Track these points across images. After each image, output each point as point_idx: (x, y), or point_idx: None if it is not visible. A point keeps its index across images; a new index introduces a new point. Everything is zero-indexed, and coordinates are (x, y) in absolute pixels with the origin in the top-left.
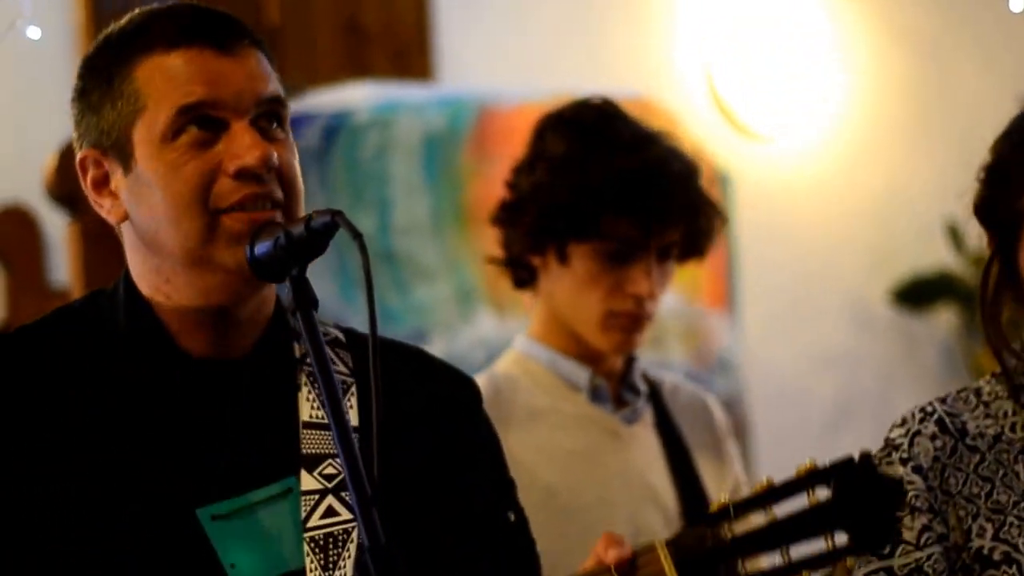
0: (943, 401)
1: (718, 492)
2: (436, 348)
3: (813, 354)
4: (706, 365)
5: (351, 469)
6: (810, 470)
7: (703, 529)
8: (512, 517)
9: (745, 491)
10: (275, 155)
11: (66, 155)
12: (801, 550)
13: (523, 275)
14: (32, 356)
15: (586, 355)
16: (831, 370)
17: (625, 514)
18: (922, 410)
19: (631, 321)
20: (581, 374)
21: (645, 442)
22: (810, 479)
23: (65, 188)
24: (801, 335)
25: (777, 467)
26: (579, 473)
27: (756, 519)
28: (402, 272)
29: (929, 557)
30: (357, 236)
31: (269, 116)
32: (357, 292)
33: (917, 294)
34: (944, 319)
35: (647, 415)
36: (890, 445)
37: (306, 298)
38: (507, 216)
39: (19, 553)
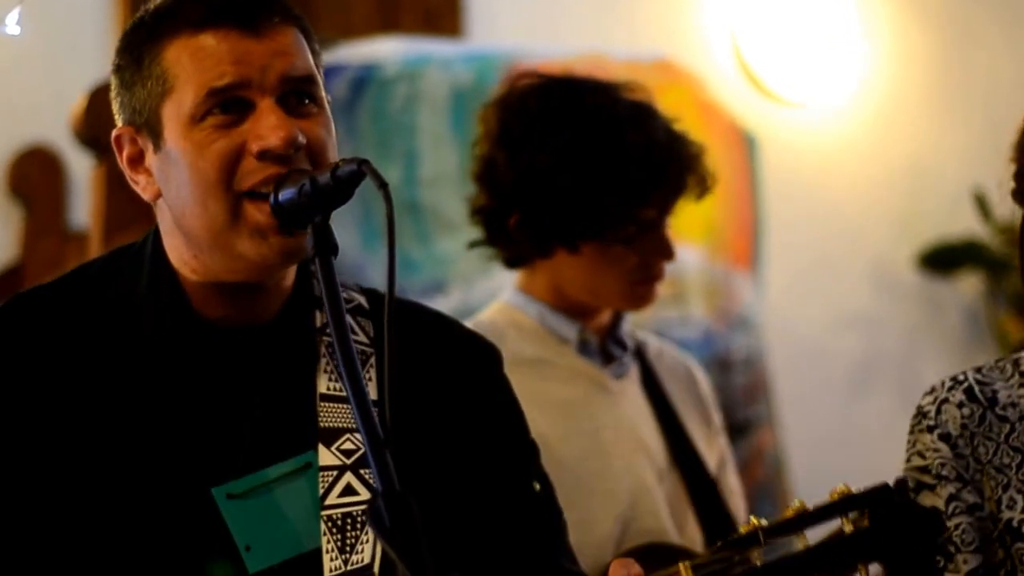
0: (978, 370)
1: (706, 457)
2: (453, 300)
3: (836, 316)
4: (727, 323)
5: (362, 413)
6: (844, 495)
7: (731, 553)
8: (537, 487)
9: (729, 466)
10: (300, 135)
11: (95, 97)
12: None
13: (518, 259)
14: (48, 320)
15: (575, 310)
16: (853, 332)
17: (621, 465)
18: (953, 378)
19: (654, 281)
20: (570, 328)
21: (633, 397)
22: (843, 505)
23: (92, 130)
24: (824, 297)
25: (798, 427)
26: (571, 424)
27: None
28: (425, 223)
29: (957, 527)
30: (383, 185)
31: (299, 93)
32: (379, 244)
33: (943, 259)
34: (969, 284)
35: (633, 372)
36: (920, 412)
37: (326, 244)
38: (492, 218)
39: (31, 524)
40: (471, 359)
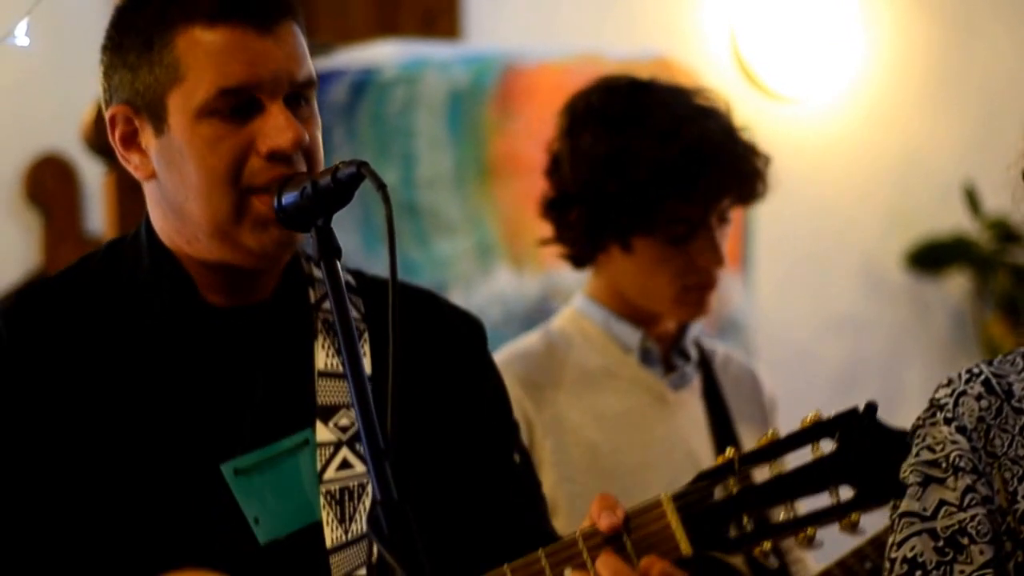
0: (990, 363)
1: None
2: (454, 302)
3: (824, 317)
4: (718, 327)
5: (366, 425)
6: (815, 422)
7: (708, 483)
8: (517, 458)
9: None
10: (306, 136)
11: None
12: (807, 504)
13: (581, 257)
14: (56, 310)
15: (640, 317)
16: (841, 334)
17: (666, 479)
18: (968, 371)
19: (705, 289)
20: (633, 336)
21: (691, 409)
22: (815, 431)
23: (103, 138)
24: (813, 297)
25: (785, 430)
26: (624, 435)
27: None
28: (424, 225)
29: (973, 518)
30: (381, 187)
31: (300, 96)
32: (380, 245)
33: (931, 257)
34: (957, 283)
35: (695, 382)
36: (935, 405)
37: (330, 247)
38: (557, 211)
39: (42, 507)
40: (458, 335)
